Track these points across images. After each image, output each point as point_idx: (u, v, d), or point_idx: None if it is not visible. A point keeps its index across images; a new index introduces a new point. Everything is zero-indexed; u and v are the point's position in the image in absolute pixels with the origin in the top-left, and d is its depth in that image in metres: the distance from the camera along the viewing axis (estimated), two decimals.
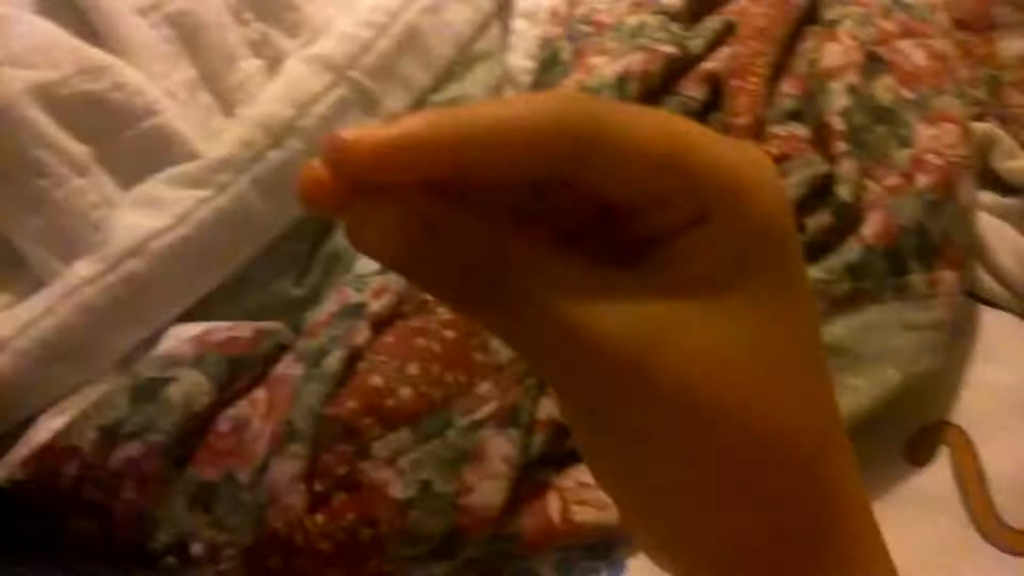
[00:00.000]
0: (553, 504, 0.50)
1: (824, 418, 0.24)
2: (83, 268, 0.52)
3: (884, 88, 0.62)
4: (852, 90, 0.61)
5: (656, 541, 0.25)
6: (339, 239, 0.59)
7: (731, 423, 0.22)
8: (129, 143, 0.58)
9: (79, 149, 0.57)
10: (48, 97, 0.57)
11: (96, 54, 0.59)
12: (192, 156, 0.57)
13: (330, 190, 0.21)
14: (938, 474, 0.52)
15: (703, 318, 0.21)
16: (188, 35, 0.64)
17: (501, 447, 0.48)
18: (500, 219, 0.22)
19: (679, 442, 0.22)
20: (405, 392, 0.49)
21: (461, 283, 0.22)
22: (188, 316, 0.55)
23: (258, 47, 0.66)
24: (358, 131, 0.21)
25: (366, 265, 0.57)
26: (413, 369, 0.49)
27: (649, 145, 0.21)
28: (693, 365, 0.21)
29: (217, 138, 0.59)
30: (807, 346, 0.24)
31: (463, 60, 0.65)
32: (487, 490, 0.48)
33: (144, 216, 0.54)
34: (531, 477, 0.50)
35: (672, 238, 0.21)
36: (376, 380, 0.49)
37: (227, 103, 0.64)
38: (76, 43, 0.60)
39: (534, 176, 0.21)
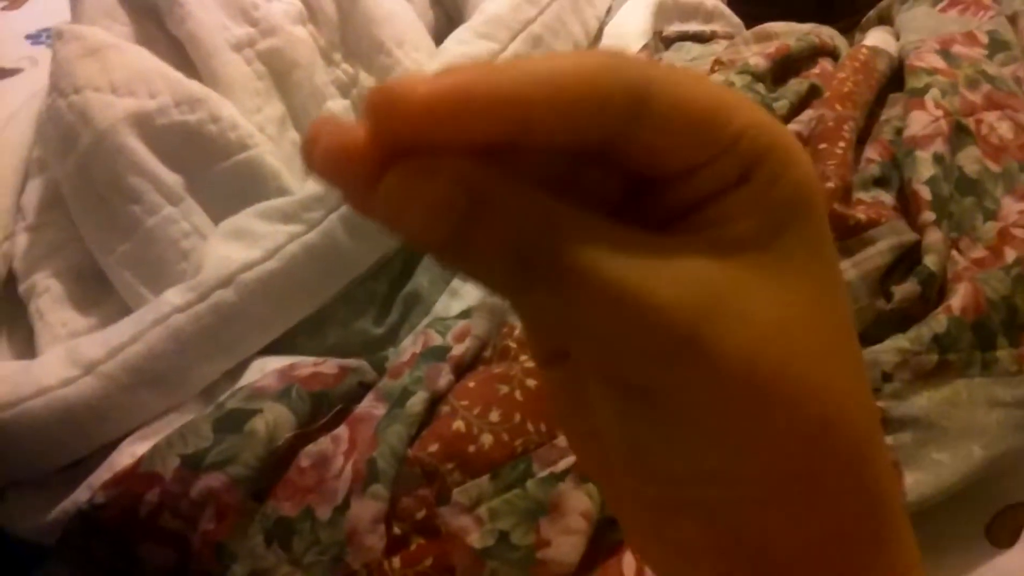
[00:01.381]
0: (628, 564, 0.49)
1: (868, 407, 0.23)
2: (174, 296, 0.53)
3: (970, 159, 0.62)
4: (939, 160, 0.61)
5: (679, 548, 0.23)
6: (419, 279, 0.59)
7: (789, 400, 0.20)
8: (221, 175, 0.58)
9: (172, 178, 0.58)
10: (145, 126, 0.58)
11: (193, 86, 0.60)
12: (282, 191, 0.58)
13: (366, 154, 0.18)
14: (1021, 557, 0.51)
15: (756, 282, 0.20)
16: (279, 73, 0.65)
17: (580, 502, 0.48)
18: (546, 190, 0.20)
19: (733, 422, 0.20)
20: (487, 439, 0.48)
21: (510, 261, 0.20)
22: (270, 350, 0.55)
23: (346, 88, 0.68)
24: (412, 80, 0.18)
25: (447, 307, 0.57)
26: (495, 416, 0.49)
27: (699, 100, 0.20)
28: (753, 332, 0.20)
29: (305, 175, 0.60)
30: (847, 322, 0.22)
31: None
32: (564, 545, 0.47)
33: (236, 248, 0.54)
34: (606, 535, 0.49)
35: (712, 201, 0.20)
36: (458, 425, 0.49)
37: None
38: (174, 74, 0.61)
39: (587, 136, 0.19)
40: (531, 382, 0.51)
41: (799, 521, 0.21)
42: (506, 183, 0.19)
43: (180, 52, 0.65)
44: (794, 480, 0.21)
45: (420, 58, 0.66)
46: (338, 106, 0.67)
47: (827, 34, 0.75)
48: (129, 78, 0.60)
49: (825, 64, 0.73)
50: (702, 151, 0.20)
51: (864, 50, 0.71)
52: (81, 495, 0.49)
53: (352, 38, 0.67)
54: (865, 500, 0.22)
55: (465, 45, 0.64)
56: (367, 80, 0.67)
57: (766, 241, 0.20)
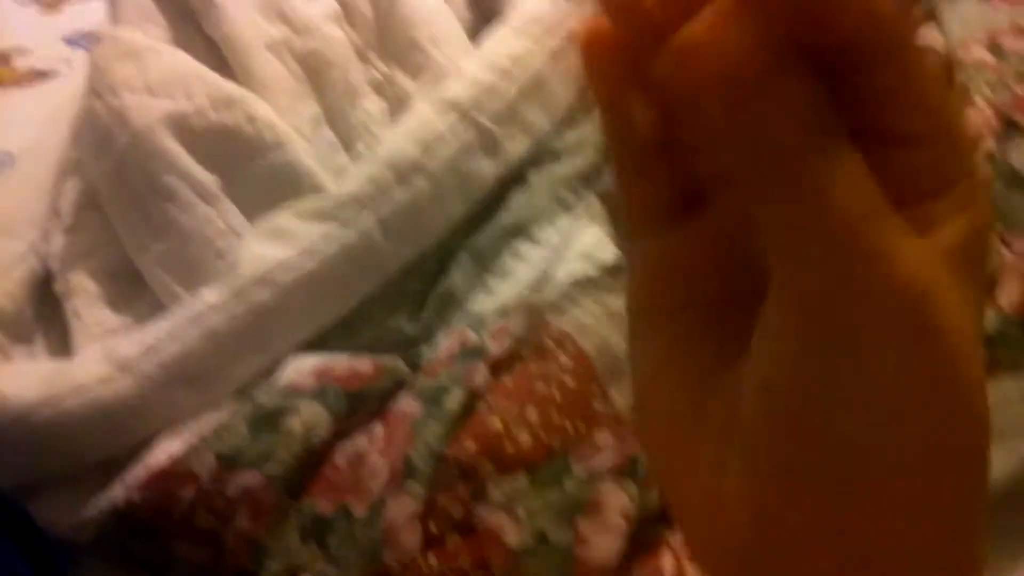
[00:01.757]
0: (666, 561, 0.48)
1: None
2: (210, 295, 0.53)
3: (1020, 154, 0.61)
4: (988, 156, 0.60)
5: (785, 527, 0.22)
6: (453, 279, 0.59)
7: (970, 394, 0.21)
8: (257, 175, 0.58)
9: (208, 178, 0.58)
10: (182, 126, 0.59)
11: (229, 87, 0.61)
12: (317, 190, 0.58)
13: None
14: None
15: (957, 289, 0.20)
16: (315, 73, 0.65)
17: (618, 500, 0.47)
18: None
19: (931, 398, 0.20)
20: (524, 437, 0.48)
21: (775, 143, 0.19)
22: (304, 347, 0.55)
23: (381, 87, 0.67)
24: None
25: (482, 306, 0.57)
26: (532, 415, 0.48)
27: (934, 78, 0.20)
28: (961, 320, 0.20)
29: (340, 174, 0.60)
30: None
31: (583, 106, 0.65)
32: (603, 543, 0.46)
33: (271, 247, 0.54)
34: (645, 532, 0.49)
35: (917, 199, 0.20)
36: (495, 423, 0.48)
37: (348, 140, 0.65)
38: (210, 75, 0.61)
39: (856, 53, 0.19)
40: (569, 380, 0.50)
41: (924, 516, 0.21)
42: (795, 70, 0.19)
43: (217, 53, 0.65)
44: (942, 472, 0.21)
45: (456, 57, 0.66)
46: (373, 106, 0.67)
47: None
48: (165, 80, 0.60)
49: None
50: (923, 120, 0.20)
51: None
52: (115, 492, 0.49)
53: (388, 38, 0.67)
54: (979, 504, 0.22)
55: (503, 44, 0.63)
56: (402, 80, 0.67)
57: (963, 253, 0.21)
